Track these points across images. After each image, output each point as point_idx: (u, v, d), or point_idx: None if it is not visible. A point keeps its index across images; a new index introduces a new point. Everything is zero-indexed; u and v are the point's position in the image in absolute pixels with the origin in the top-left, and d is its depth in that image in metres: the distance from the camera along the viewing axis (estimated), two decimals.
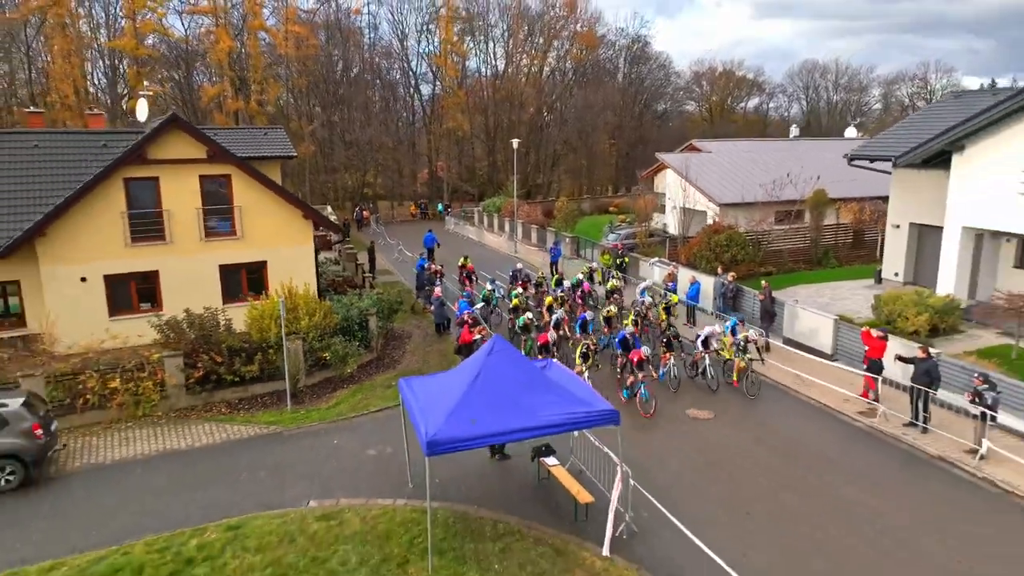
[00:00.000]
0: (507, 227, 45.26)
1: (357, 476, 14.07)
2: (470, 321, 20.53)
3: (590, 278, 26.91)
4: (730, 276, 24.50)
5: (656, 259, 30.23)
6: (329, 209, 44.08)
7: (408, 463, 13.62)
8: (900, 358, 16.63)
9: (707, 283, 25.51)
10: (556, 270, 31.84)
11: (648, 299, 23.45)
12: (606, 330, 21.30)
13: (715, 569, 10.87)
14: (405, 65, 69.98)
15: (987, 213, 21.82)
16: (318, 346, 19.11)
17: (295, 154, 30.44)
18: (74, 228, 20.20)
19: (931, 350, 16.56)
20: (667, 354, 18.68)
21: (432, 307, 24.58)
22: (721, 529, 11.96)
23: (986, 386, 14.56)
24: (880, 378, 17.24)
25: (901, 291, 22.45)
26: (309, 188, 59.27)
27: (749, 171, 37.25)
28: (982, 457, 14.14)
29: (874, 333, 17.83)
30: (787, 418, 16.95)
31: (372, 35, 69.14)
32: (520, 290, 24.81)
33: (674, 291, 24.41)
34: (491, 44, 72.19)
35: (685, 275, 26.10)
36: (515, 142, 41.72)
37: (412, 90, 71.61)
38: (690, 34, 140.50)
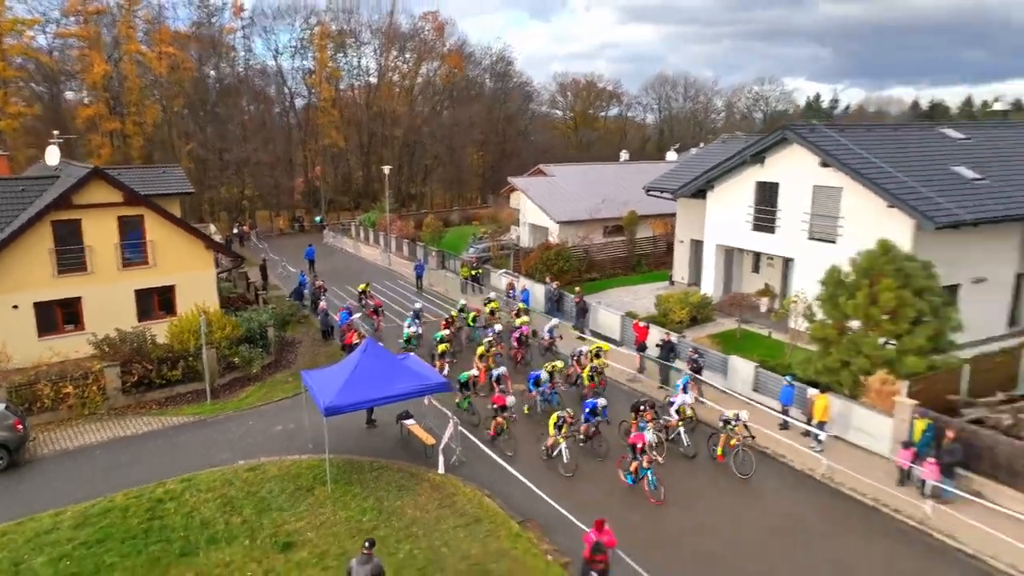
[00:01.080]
0: (382, 240, 50.83)
1: (270, 444, 19.61)
2: (350, 328, 26.31)
3: (491, 313, 28.53)
4: (555, 284, 31.68)
5: (504, 270, 37.10)
6: (213, 228, 47.57)
7: (308, 430, 19.32)
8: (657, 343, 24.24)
9: (539, 290, 32.57)
10: (420, 284, 37.65)
11: (586, 349, 23.30)
12: (552, 385, 21.02)
13: (519, 485, 17.44)
14: (280, 82, 73.49)
15: (729, 234, 30.27)
16: (228, 353, 24.28)
17: (192, 191, 34.70)
18: (8, 263, 24.11)
19: (674, 335, 24.27)
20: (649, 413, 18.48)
21: (319, 316, 29.99)
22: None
23: (697, 355, 22.31)
24: (644, 355, 24.78)
25: (673, 292, 30.60)
26: (188, 205, 61.82)
27: (583, 193, 45.00)
28: (698, 400, 21.76)
29: (640, 324, 25.41)
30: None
31: (247, 54, 72.09)
32: (445, 332, 25.25)
33: (524, 300, 31.03)
34: (363, 61, 77.19)
35: (526, 284, 33.11)
36: (386, 168, 47.33)
37: (288, 106, 75.17)
38: (562, 38, 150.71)
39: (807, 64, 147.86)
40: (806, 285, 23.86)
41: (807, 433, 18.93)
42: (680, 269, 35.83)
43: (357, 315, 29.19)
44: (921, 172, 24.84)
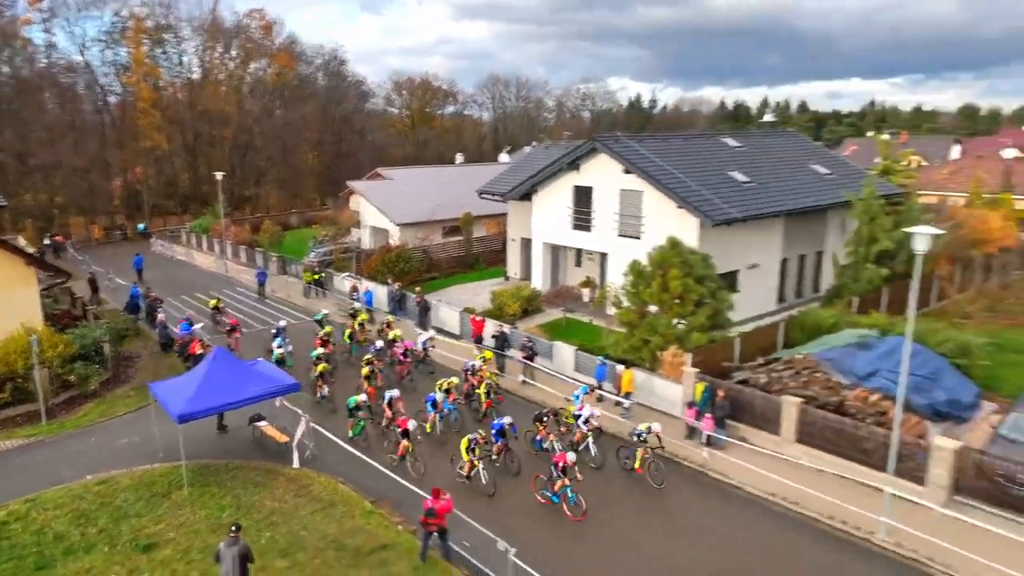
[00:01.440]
0: (217, 247, 49.60)
1: (118, 457, 19.79)
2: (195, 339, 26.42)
3: (355, 321, 28.21)
4: (397, 285, 33.43)
5: (347, 274, 38.21)
6: (22, 241, 43.91)
7: (158, 440, 19.74)
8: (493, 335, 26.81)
9: (382, 291, 34.13)
10: (263, 292, 37.76)
11: (479, 363, 23.51)
12: (451, 397, 21.16)
13: (366, 466, 19.12)
14: (91, 78, 68.34)
15: (554, 233, 33.64)
16: (62, 371, 23.69)
17: (5, 203, 32.35)
18: None
19: (507, 327, 26.99)
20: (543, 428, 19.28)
21: (156, 329, 29.57)
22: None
23: (530, 343, 25.16)
24: (481, 345, 27.30)
25: (506, 287, 33.47)
26: None
27: (421, 195, 46.94)
28: (525, 383, 24.56)
29: (477, 318, 27.92)
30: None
31: (48, 49, 66.25)
32: (321, 350, 24.43)
33: (368, 301, 32.34)
34: (185, 59, 73.59)
35: (369, 285, 34.52)
36: (219, 174, 46.31)
37: (101, 105, 70.06)
38: (395, 31, 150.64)
39: (629, 64, 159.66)
40: (618, 277, 27.54)
41: (618, 403, 22.29)
42: (513, 266, 38.92)
43: (198, 325, 29.19)
44: (704, 177, 29.41)
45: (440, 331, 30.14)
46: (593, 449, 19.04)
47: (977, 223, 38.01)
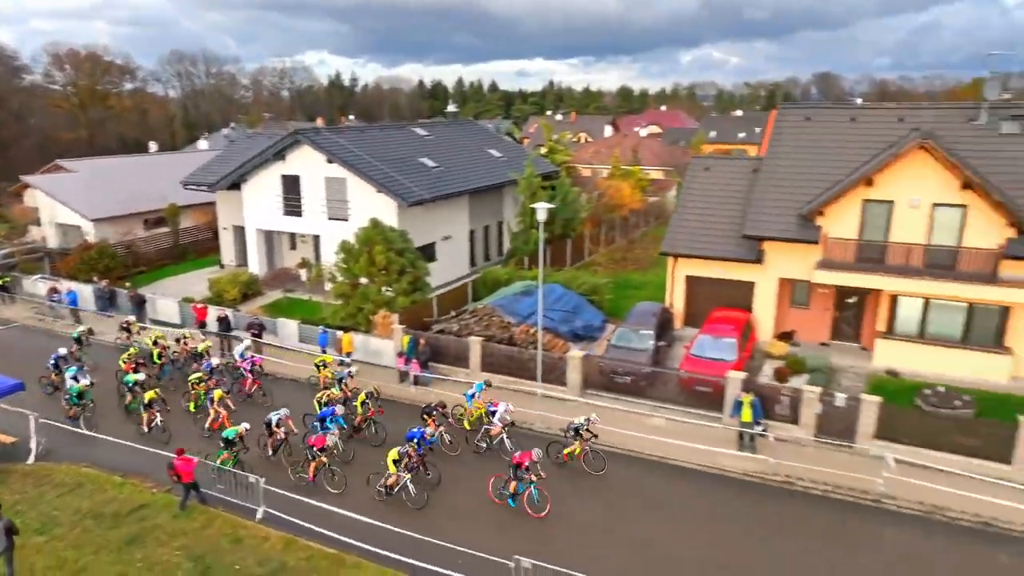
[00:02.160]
0: None
1: None
2: None
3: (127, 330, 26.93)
4: (104, 282, 32.86)
5: (39, 276, 35.90)
6: None
7: None
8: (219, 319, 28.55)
9: (87, 290, 33.18)
10: None
11: (353, 370, 23.29)
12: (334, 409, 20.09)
13: (115, 447, 20.37)
14: None
15: (266, 219, 35.76)
16: None
17: None
18: None
19: (229, 311, 28.97)
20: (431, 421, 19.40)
21: None
22: None
23: (257, 322, 27.56)
24: (205, 331, 28.90)
25: (222, 274, 34.91)
26: None
27: (115, 187, 44.75)
28: (417, 380, 27.03)
29: (199, 305, 29.40)
30: None
31: None
32: (136, 375, 22.36)
33: (72, 302, 31.15)
34: None
35: (71, 286, 33.21)
36: None
37: None
38: None
39: (327, 38, 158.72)
40: (331, 256, 30.97)
41: (341, 362, 25.99)
42: (228, 253, 39.97)
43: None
44: (399, 163, 34.00)
45: (159, 323, 30.80)
46: (509, 444, 19.24)
47: (614, 191, 48.52)
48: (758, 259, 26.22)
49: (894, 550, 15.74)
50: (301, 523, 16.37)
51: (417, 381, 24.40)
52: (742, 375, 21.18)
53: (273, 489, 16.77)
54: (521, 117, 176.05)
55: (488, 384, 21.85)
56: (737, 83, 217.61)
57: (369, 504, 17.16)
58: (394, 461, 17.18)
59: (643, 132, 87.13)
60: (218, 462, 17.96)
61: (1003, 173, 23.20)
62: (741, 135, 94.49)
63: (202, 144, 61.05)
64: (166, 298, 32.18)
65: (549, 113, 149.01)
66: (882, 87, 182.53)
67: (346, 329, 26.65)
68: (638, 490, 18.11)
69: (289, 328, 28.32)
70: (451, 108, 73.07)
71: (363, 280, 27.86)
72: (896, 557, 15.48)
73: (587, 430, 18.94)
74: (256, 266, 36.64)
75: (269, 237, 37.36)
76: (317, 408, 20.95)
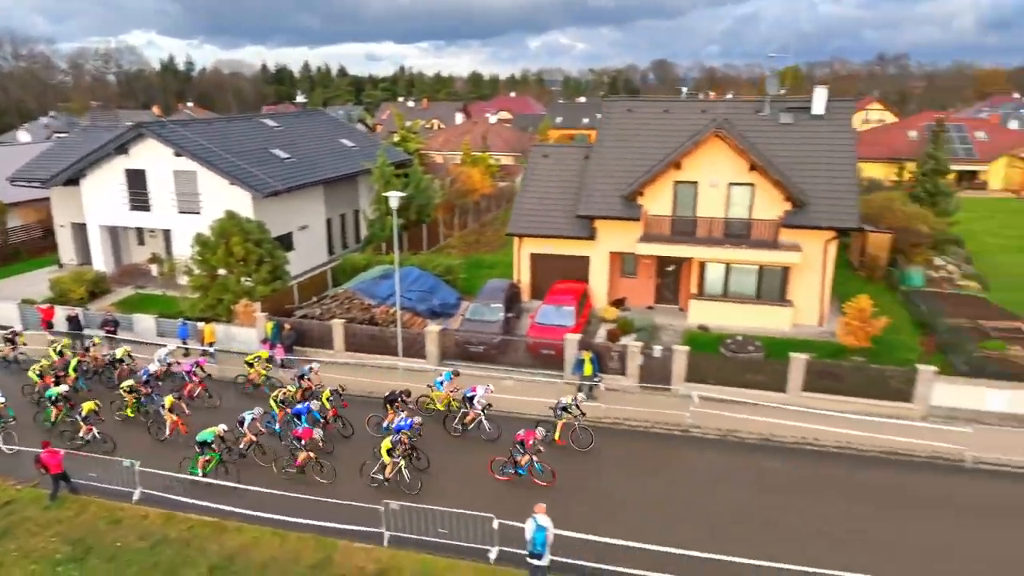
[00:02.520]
0: None
1: None
2: None
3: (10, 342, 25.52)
4: None
5: None
6: None
7: None
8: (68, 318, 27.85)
9: None
10: None
11: (316, 365, 23.06)
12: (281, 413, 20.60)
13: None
14: None
15: (111, 215, 34.78)
16: None
17: None
18: None
19: (78, 310, 28.38)
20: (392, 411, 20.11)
21: None
22: None
23: (111, 319, 27.30)
24: (53, 332, 28.15)
25: (64, 273, 33.67)
26: None
27: None
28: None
29: (43, 306, 28.53)
30: None
31: None
32: (58, 388, 21.17)
33: None
34: None
35: None
36: None
37: None
38: None
39: (156, 18, 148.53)
40: (184, 249, 30.94)
41: (204, 352, 26.48)
42: (67, 252, 38.21)
43: None
44: (250, 155, 34.30)
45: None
46: (487, 424, 20.30)
47: (466, 177, 50.98)
48: (591, 236, 29.61)
49: (697, 466, 19.39)
50: (190, 501, 17.43)
51: (284, 365, 25.54)
52: (579, 337, 24.35)
53: (141, 470, 17.61)
54: (373, 103, 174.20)
55: (456, 373, 22.38)
56: (583, 69, 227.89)
57: (364, 492, 17.55)
58: (388, 450, 17.78)
59: (493, 118, 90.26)
60: (200, 465, 18.08)
61: (782, 156, 27.95)
62: (585, 120, 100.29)
63: (22, 136, 56.46)
64: (4, 301, 30.71)
65: (401, 99, 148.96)
66: (711, 74, 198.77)
67: (207, 320, 27.13)
68: (505, 441, 19.65)
69: (145, 323, 28.27)
70: (300, 99, 71.99)
71: (221, 272, 28.33)
72: (700, 471, 19.11)
73: (576, 406, 20.05)
74: (102, 263, 35.50)
75: (114, 233, 36.27)
76: (275, 406, 20.82)
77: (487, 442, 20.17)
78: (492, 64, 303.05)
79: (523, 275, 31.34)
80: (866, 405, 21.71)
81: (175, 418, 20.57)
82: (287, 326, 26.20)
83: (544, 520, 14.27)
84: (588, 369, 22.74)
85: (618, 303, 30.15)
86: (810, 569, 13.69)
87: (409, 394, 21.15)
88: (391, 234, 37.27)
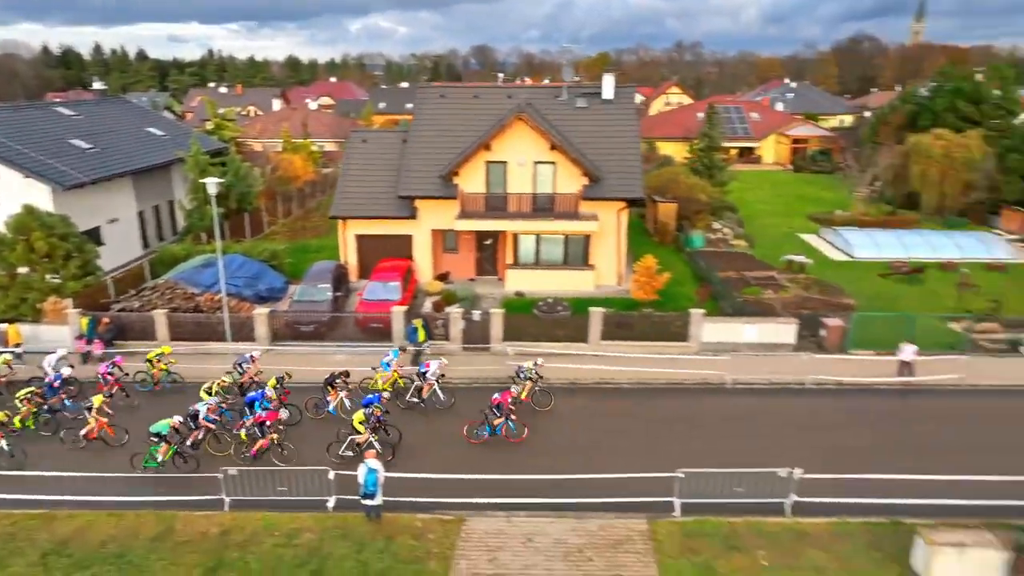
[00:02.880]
0: None
1: None
2: None
3: None
4: None
5: None
6: None
7: None
8: None
9: None
10: None
11: (257, 353, 23.18)
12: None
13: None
14: None
15: None
16: None
17: None
18: None
19: None
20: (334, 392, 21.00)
21: None
22: None
23: None
24: None
25: None
26: None
27: None
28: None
29: None
30: None
31: None
32: None
33: None
34: None
35: None
36: None
37: None
38: None
39: None
40: None
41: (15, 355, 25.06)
42: None
43: None
44: (47, 146, 32.24)
45: None
46: (441, 394, 21.69)
47: (287, 164, 50.62)
48: (412, 215, 31.42)
49: (517, 409, 22.01)
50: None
51: (103, 359, 24.93)
52: (405, 309, 26.18)
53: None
54: (180, 89, 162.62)
55: (403, 349, 23.45)
56: (405, 54, 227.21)
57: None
58: (360, 422, 18.59)
59: (314, 104, 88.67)
60: (159, 456, 18.00)
61: (579, 136, 31.37)
62: (408, 106, 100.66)
63: None
64: None
65: (212, 85, 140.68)
66: (529, 59, 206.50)
67: (10, 321, 25.69)
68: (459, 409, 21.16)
69: None
70: (98, 85, 66.46)
71: (23, 269, 26.83)
72: (521, 414, 21.69)
73: (536, 372, 21.77)
74: None
75: None
76: (205, 397, 20.49)
77: (443, 411, 21.57)
78: (310, 48, 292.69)
79: (350, 256, 32.50)
80: (653, 347, 25.59)
81: (102, 420, 19.73)
82: (105, 320, 25.54)
83: (375, 464, 16.07)
84: (423, 335, 24.68)
85: (442, 277, 32.28)
86: (641, 475, 16.72)
87: (348, 375, 21.76)
88: (211, 223, 36.78)
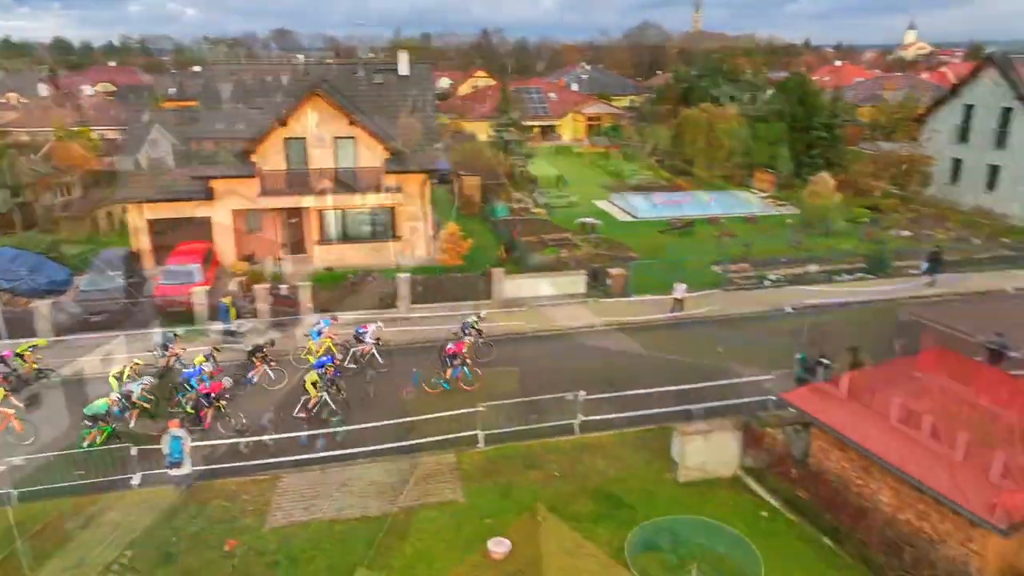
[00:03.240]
0: None
1: None
2: None
3: None
4: None
5: None
6: None
7: None
8: None
9: None
10: None
11: (180, 331, 22.75)
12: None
13: None
14: None
15: None
16: None
17: None
18: None
19: None
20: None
21: None
22: None
23: None
24: None
25: None
26: None
27: None
28: None
29: None
30: None
31: None
32: None
33: None
34: None
35: None
36: None
37: None
38: None
39: None
40: None
41: None
42: None
43: None
44: None
45: None
46: (379, 358, 22.27)
47: (65, 153, 46.17)
48: (209, 196, 30.42)
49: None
50: None
51: None
52: (207, 289, 25.57)
53: None
54: None
55: (335, 318, 23.51)
56: (197, 38, 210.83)
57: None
58: (313, 383, 19.00)
59: (91, 90, 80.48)
60: (86, 442, 17.23)
61: (378, 111, 32.05)
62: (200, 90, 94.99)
63: None
64: None
65: None
66: (334, 44, 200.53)
67: None
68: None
69: None
70: None
71: None
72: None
73: (474, 327, 22.74)
74: None
75: None
76: (114, 384, 19.34)
77: (382, 372, 22.18)
78: (84, 29, 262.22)
79: (143, 242, 30.78)
80: (461, 305, 27.19)
81: (8, 412, 18.79)
82: None
83: (179, 432, 16.06)
84: (234, 314, 24.41)
85: (248, 258, 31.62)
86: (447, 413, 17.98)
87: (273, 344, 22.37)
88: None
